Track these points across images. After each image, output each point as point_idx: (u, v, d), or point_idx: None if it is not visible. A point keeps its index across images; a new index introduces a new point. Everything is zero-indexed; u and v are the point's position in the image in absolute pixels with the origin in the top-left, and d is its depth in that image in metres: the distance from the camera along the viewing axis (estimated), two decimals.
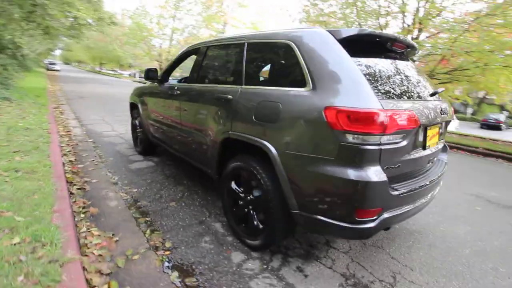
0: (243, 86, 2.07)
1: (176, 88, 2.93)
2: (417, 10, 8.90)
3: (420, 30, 9.27)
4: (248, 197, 2.03)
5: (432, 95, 1.88)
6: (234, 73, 2.25)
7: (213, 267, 1.84)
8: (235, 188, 2.15)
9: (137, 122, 4.18)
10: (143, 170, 3.58)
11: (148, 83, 4.08)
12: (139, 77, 38.11)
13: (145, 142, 3.95)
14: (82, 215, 2.34)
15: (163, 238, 2.14)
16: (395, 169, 1.57)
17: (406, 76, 1.82)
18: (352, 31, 1.67)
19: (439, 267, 2.06)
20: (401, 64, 1.91)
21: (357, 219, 1.50)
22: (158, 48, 22.51)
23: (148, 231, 2.21)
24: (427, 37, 9.65)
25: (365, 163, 1.45)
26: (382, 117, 1.40)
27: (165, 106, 3.18)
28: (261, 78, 2.04)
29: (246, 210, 2.07)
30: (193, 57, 3.00)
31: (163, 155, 4.26)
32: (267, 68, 2.05)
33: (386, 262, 2.06)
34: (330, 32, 1.70)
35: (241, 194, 2.10)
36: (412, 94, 1.73)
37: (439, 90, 1.96)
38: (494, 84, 8.54)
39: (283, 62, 1.90)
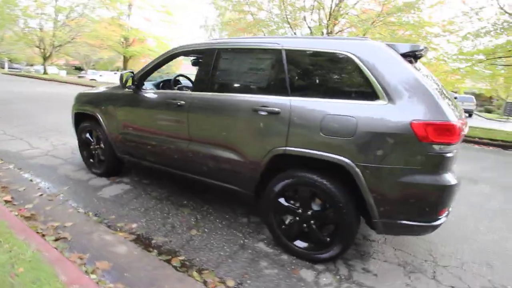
0: (292, 98, 1.94)
1: (176, 97, 2.46)
2: (334, 6, 10.02)
3: (334, 25, 10.50)
4: (308, 212, 1.98)
5: (455, 98, 2.23)
6: (273, 82, 2.07)
7: None
8: (288, 205, 2.05)
9: (91, 137, 3.32)
10: (122, 196, 2.92)
11: (103, 88, 3.28)
12: (9, 68, 29.40)
13: (110, 160, 3.21)
14: (94, 276, 1.78)
15: (219, 277, 1.86)
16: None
17: (438, 84, 2.08)
18: (408, 47, 1.78)
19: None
20: (426, 70, 2.15)
21: (438, 217, 1.69)
22: (38, 31, 17.89)
23: (195, 273, 1.88)
24: (338, 32, 11.01)
25: (446, 169, 1.63)
26: (459, 128, 1.59)
27: (155, 119, 2.65)
28: (313, 89, 1.94)
29: (304, 225, 2.01)
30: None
31: (131, 173, 3.57)
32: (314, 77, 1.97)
33: (416, 242, 2.40)
34: (389, 45, 1.78)
35: (297, 210, 2.02)
36: (451, 100, 2.01)
37: (455, 94, 2.33)
38: None
39: (342, 73, 1.87)
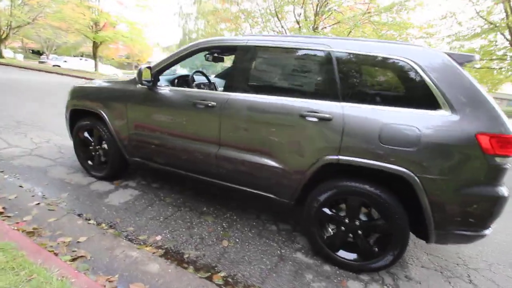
0: (344, 104, 1.84)
1: (206, 97, 2.24)
2: (320, 2, 10.02)
3: (320, 21, 10.53)
4: (356, 222, 1.92)
5: None
6: (322, 86, 1.95)
7: None
8: (333, 215, 1.98)
9: (91, 136, 2.97)
10: (134, 204, 2.66)
11: (103, 81, 2.94)
12: None
13: (116, 163, 2.90)
14: None
15: None
16: None
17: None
18: (465, 57, 1.76)
19: None
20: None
21: (488, 227, 1.72)
22: None
23: None
24: (322, 28, 11.05)
25: (502, 181, 1.65)
26: None
27: (177, 120, 2.40)
28: (367, 96, 1.86)
29: (350, 235, 1.96)
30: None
31: (136, 176, 3.27)
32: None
33: (442, 245, 2.46)
34: (448, 54, 1.74)
35: (344, 220, 1.95)
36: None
37: None
38: None
39: (400, 80, 1.80)
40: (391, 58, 1.80)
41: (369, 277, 1.99)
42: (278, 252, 2.17)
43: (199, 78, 3.25)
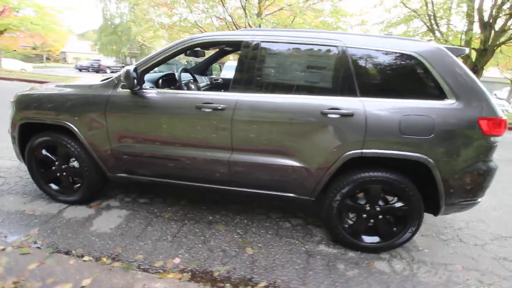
0: (363, 99, 1.89)
1: (213, 99, 2.02)
2: None
3: (264, 8, 10.51)
4: (377, 208, 2.05)
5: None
6: (339, 82, 1.94)
7: None
8: (355, 204, 2.08)
9: (52, 155, 2.43)
10: (129, 226, 2.31)
11: (65, 87, 2.41)
12: None
13: (93, 182, 2.45)
14: None
15: None
16: None
17: None
18: (460, 50, 1.97)
19: None
20: None
21: (482, 195, 2.04)
22: None
23: None
24: (266, 15, 11.08)
25: (492, 157, 1.96)
26: (505, 121, 1.90)
27: (176, 127, 2.13)
28: (383, 90, 1.93)
29: (371, 220, 2.09)
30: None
31: (115, 193, 2.83)
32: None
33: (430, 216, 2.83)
34: (449, 49, 1.93)
35: (366, 208, 2.06)
36: None
37: None
38: None
39: (410, 74, 1.92)
40: (400, 53, 1.91)
41: (389, 255, 2.17)
42: (303, 248, 2.19)
43: (183, 76, 2.91)
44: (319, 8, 9.69)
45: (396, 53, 1.92)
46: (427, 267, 2.07)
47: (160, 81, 2.49)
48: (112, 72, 28.81)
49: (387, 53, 1.94)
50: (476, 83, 1.87)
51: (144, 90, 2.16)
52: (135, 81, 2.04)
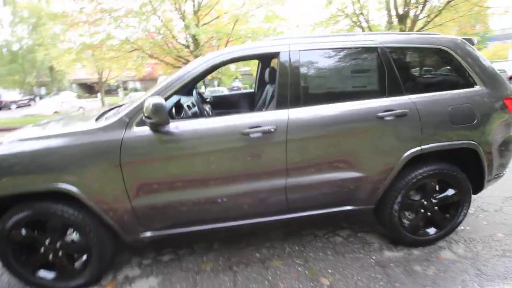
0: (411, 96, 1.88)
1: (259, 122, 1.73)
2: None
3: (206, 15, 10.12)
4: (433, 200, 2.07)
5: None
6: (384, 83, 1.88)
7: None
8: (414, 201, 2.07)
9: (40, 233, 1.79)
10: None
11: (50, 138, 1.80)
12: None
13: (106, 254, 1.88)
14: None
15: None
16: None
17: None
18: (474, 40, 2.13)
19: None
20: None
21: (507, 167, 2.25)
22: None
23: None
24: (204, 24, 10.72)
25: None
26: None
27: (221, 161, 1.78)
28: (425, 84, 1.95)
29: (428, 213, 2.10)
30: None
31: (125, 259, 2.24)
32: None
33: None
34: (467, 40, 2.06)
35: (424, 202, 2.07)
36: None
37: None
38: None
39: (443, 66, 1.98)
40: (431, 47, 1.97)
41: (444, 242, 2.22)
42: (371, 260, 2.07)
43: (183, 100, 2.48)
44: (254, 14, 9.81)
45: (427, 48, 1.98)
46: (480, 243, 2.19)
47: (173, 109, 2.06)
48: (19, 107, 24.26)
49: (419, 48, 1.98)
50: (494, 68, 2.05)
51: (174, 125, 1.74)
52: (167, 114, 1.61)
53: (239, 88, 24.20)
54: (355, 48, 1.92)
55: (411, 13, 9.11)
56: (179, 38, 10.34)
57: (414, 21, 9.07)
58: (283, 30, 10.92)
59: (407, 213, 2.15)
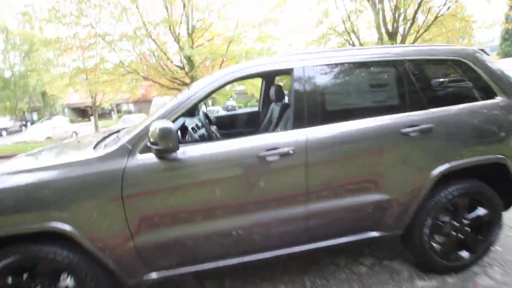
0: (434, 110, 1.76)
1: (276, 144, 1.58)
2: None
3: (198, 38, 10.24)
4: (464, 221, 1.91)
5: None
6: (406, 97, 1.77)
7: None
8: (444, 224, 1.89)
9: (29, 280, 1.55)
10: None
11: (54, 168, 1.59)
12: None
13: None
14: None
15: None
16: None
17: None
18: (485, 51, 2.07)
19: None
20: None
21: None
22: None
23: None
24: (198, 46, 10.80)
25: None
26: None
27: (235, 188, 1.61)
28: (447, 97, 1.84)
29: (460, 236, 1.93)
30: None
31: None
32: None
33: None
34: (481, 50, 1.99)
35: (455, 224, 1.90)
36: None
37: None
38: None
39: (464, 78, 1.88)
40: (449, 59, 1.88)
41: (477, 266, 2.03)
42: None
43: (188, 122, 2.32)
44: (248, 36, 9.95)
45: (445, 59, 1.89)
46: None
47: (179, 133, 1.90)
48: (9, 134, 23.71)
49: (438, 60, 1.89)
50: (510, 77, 1.97)
51: (181, 150, 1.56)
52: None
53: (233, 107, 24.27)
54: (372, 62, 1.82)
55: (401, 30, 9.35)
56: (174, 60, 10.40)
57: (404, 37, 9.30)
58: (276, 49, 11.10)
59: (437, 237, 1.97)
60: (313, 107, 1.68)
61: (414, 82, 1.79)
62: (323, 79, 1.76)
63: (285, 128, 1.71)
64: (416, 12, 8.62)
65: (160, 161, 1.52)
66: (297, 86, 1.70)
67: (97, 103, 19.32)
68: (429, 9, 8.71)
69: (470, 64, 1.88)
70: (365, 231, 1.84)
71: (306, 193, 1.65)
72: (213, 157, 1.59)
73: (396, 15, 9.14)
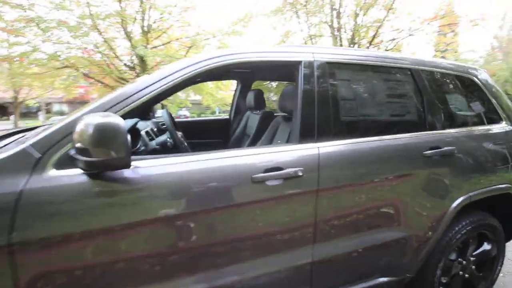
0: (451, 131, 1.52)
1: (283, 163, 1.10)
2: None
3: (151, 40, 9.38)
4: (471, 259, 1.68)
5: None
6: (422, 112, 1.48)
7: None
8: (454, 263, 1.64)
9: None
10: None
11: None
12: None
13: None
14: None
15: None
16: None
17: None
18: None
19: None
20: None
21: None
22: None
23: None
24: (153, 48, 9.91)
25: None
26: None
27: (218, 225, 1.06)
28: (460, 119, 1.63)
29: (466, 275, 1.70)
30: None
31: None
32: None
33: None
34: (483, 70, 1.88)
35: (462, 261, 1.65)
36: None
37: None
38: None
39: (474, 98, 1.71)
40: (459, 76, 1.71)
41: None
42: None
43: (141, 125, 1.68)
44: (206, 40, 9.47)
45: (456, 76, 1.71)
46: None
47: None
48: None
49: (452, 76, 1.69)
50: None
51: (134, 166, 0.97)
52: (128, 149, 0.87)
53: (186, 117, 23.10)
54: (394, 68, 1.51)
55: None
56: (123, 59, 9.29)
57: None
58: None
59: (443, 279, 1.70)
60: (326, 116, 1.27)
61: (432, 97, 1.53)
62: (338, 81, 1.38)
63: (292, 141, 1.25)
64: (370, 44, 9.36)
65: (92, 182, 0.91)
66: (306, 86, 1.27)
67: (21, 99, 16.36)
68: (380, 42, 9.57)
69: (479, 83, 1.74)
70: (374, 276, 1.45)
71: (314, 229, 1.21)
72: (183, 178, 1.03)
73: (352, 45, 9.80)
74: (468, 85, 1.74)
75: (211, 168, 1.08)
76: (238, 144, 2.51)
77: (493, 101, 1.76)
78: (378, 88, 1.54)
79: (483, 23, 10.05)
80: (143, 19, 8.97)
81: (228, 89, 15.58)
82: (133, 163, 0.94)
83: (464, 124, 1.65)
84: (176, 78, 1.11)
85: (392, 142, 1.38)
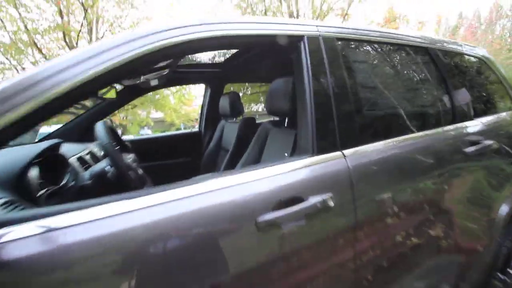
0: (481, 120, 1.23)
1: (300, 191, 0.67)
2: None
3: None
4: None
5: None
6: (454, 100, 1.17)
7: None
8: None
9: None
10: None
11: None
12: None
13: None
14: None
15: None
16: None
17: None
18: None
19: None
20: None
21: None
22: None
23: None
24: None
25: None
26: None
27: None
28: (484, 105, 1.35)
29: None
30: None
31: None
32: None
33: None
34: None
35: (507, 280, 1.36)
36: None
37: None
38: None
39: (489, 82, 1.46)
40: (472, 56, 1.45)
41: None
42: None
43: (68, 149, 1.13)
44: None
45: (472, 56, 1.45)
46: None
47: (32, 172, 0.75)
48: None
49: (465, 57, 1.42)
50: None
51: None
52: None
53: None
54: (416, 47, 1.16)
55: None
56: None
57: None
58: None
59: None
60: (348, 112, 0.87)
61: (458, 80, 1.24)
62: (354, 63, 0.98)
63: (300, 154, 0.83)
64: None
65: None
66: (315, 71, 0.85)
67: None
68: None
69: (491, 65, 1.50)
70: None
71: (354, 263, 0.78)
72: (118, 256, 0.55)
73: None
74: (480, 68, 1.51)
75: (180, 219, 0.60)
76: (213, 162, 2.05)
77: (506, 85, 1.54)
78: (403, 72, 1.19)
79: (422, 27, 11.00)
80: (90, 32, 8.15)
81: (192, 103, 14.87)
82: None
83: (489, 111, 1.39)
84: (121, 55, 0.64)
85: (440, 137, 1.04)
